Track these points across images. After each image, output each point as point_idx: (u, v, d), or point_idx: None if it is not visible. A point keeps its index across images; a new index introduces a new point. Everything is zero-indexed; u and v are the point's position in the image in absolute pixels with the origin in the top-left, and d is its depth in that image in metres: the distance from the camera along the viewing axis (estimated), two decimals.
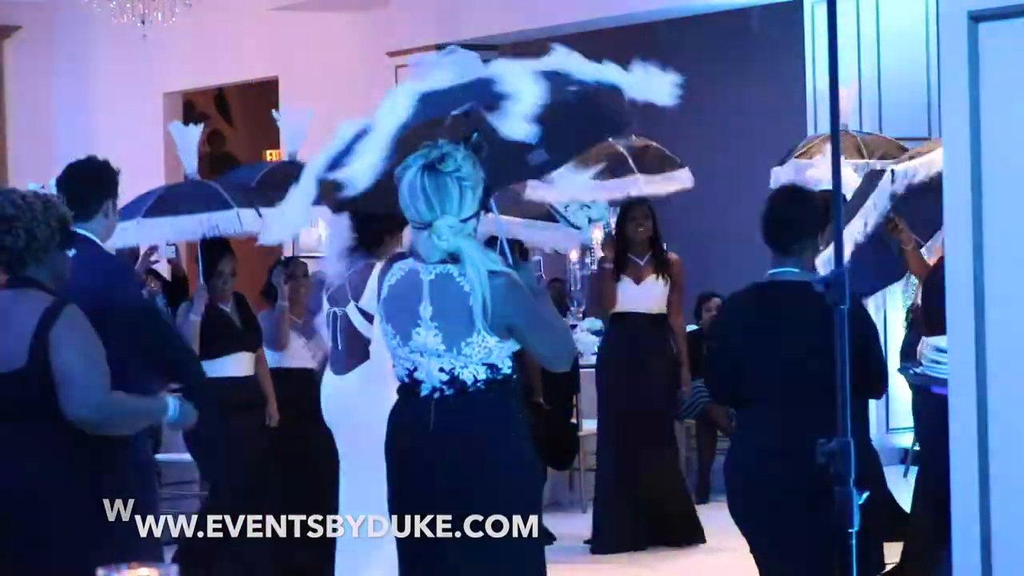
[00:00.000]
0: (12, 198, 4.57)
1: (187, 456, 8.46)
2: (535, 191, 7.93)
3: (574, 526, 9.18)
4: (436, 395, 4.51)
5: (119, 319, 5.18)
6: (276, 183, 7.66)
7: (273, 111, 8.37)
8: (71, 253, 4.69)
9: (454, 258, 4.47)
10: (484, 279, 4.42)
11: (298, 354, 7.94)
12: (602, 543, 8.81)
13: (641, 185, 8.72)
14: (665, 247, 8.96)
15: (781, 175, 8.49)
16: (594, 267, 11.58)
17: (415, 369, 4.55)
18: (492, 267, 4.47)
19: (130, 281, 5.66)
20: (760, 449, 5.09)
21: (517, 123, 4.62)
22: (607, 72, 4.84)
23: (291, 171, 8.05)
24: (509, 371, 4.56)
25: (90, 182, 5.56)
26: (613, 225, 9.36)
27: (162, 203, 7.18)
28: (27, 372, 4.44)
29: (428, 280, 4.51)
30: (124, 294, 5.45)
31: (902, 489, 8.35)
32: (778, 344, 5.05)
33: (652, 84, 4.83)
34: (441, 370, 4.50)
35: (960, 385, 3.11)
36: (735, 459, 5.27)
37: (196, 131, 7.69)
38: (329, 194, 5.05)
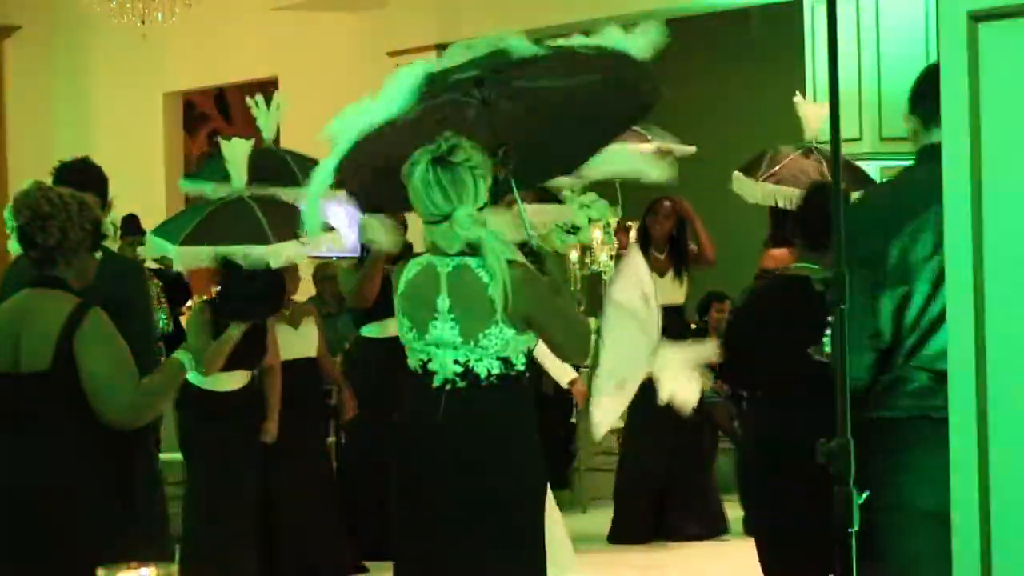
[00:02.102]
0: (49, 195, 4.57)
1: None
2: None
3: (573, 525, 9.19)
4: (448, 387, 4.53)
5: (129, 315, 5.21)
6: (257, 167, 7.63)
7: (248, 99, 8.31)
8: (98, 255, 4.71)
9: (472, 249, 4.48)
10: (505, 267, 4.43)
11: (287, 346, 7.96)
12: (622, 534, 8.92)
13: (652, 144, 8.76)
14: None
15: (756, 189, 8.38)
16: (594, 267, 11.62)
17: (429, 361, 4.56)
18: (510, 256, 4.49)
19: (140, 278, 5.67)
20: (771, 440, 5.14)
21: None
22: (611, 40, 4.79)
23: (271, 157, 8.05)
24: (522, 368, 4.57)
25: (85, 183, 5.53)
26: (614, 221, 9.48)
27: (204, 229, 7.09)
28: (51, 374, 4.44)
29: (446, 272, 4.52)
30: (136, 290, 5.47)
31: None
32: (795, 336, 5.07)
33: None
34: (456, 362, 4.52)
35: (960, 386, 3.11)
36: (746, 449, 5.34)
37: (247, 145, 7.48)
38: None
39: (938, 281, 3.87)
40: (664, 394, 5.34)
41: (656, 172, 8.59)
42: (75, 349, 4.42)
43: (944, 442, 3.79)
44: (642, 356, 5.40)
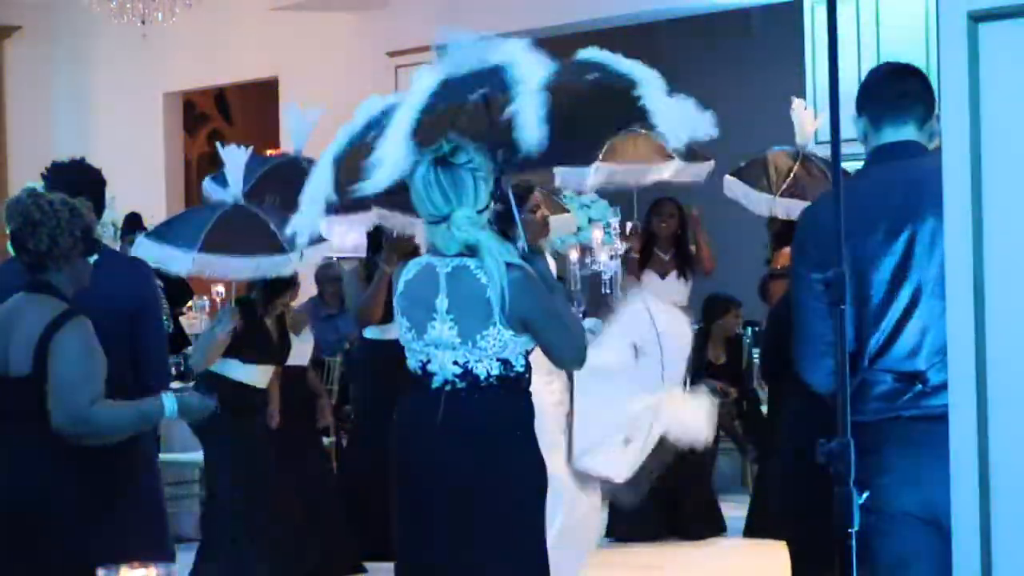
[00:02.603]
0: (40, 203, 4.59)
1: (186, 456, 8.50)
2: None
3: None
4: (447, 388, 4.52)
5: (149, 315, 5.21)
6: (281, 178, 7.62)
7: (282, 106, 8.24)
8: (93, 259, 4.71)
9: (471, 251, 4.48)
10: (503, 269, 4.44)
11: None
12: (620, 530, 8.93)
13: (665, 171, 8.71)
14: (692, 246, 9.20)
15: (776, 204, 8.33)
16: (594, 267, 11.62)
17: (428, 362, 4.55)
18: (509, 259, 4.48)
19: (153, 279, 5.67)
20: (794, 431, 5.17)
21: (529, 131, 4.55)
22: (639, 72, 4.72)
23: (295, 168, 8.03)
24: (522, 369, 4.56)
25: (79, 184, 5.48)
26: (615, 223, 9.49)
27: (217, 238, 7.08)
28: (32, 378, 4.46)
29: (445, 273, 4.52)
30: (153, 290, 5.47)
31: None
32: None
33: (684, 114, 4.69)
34: (455, 363, 4.51)
35: (960, 386, 3.11)
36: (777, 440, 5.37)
37: (244, 154, 7.31)
38: (344, 193, 4.96)
39: (893, 280, 3.86)
40: (673, 437, 5.42)
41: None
42: (49, 351, 4.44)
43: (916, 441, 3.80)
44: (622, 414, 5.40)
